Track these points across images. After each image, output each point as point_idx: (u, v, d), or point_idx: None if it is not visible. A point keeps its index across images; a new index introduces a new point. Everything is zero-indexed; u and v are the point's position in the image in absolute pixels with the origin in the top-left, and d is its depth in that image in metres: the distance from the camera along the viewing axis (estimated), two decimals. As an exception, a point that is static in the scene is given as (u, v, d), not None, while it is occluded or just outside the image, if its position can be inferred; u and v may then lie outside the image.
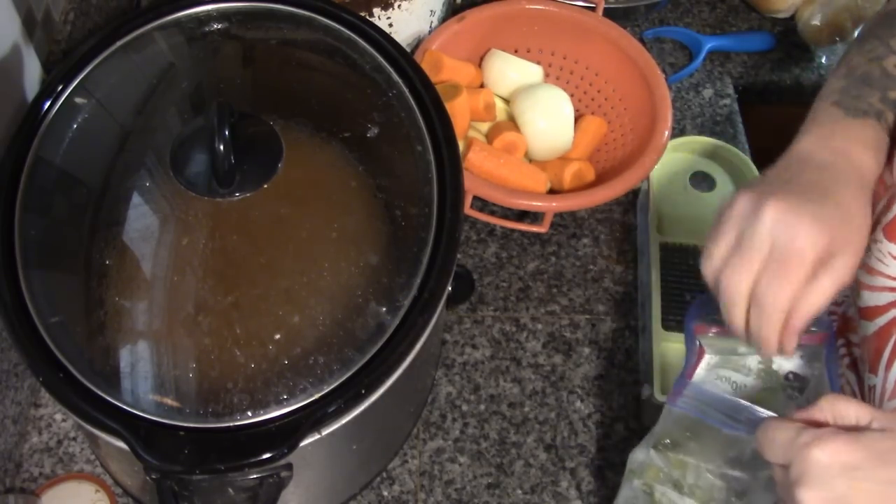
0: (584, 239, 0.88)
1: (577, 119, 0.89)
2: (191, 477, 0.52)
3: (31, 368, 0.54)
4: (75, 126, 0.61)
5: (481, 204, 0.87)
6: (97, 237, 0.57)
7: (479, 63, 0.94)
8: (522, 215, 0.89)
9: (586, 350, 0.81)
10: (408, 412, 0.73)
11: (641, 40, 1.04)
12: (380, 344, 0.55)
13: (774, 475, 0.48)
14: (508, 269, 0.86)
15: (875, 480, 0.44)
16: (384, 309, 0.57)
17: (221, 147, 0.56)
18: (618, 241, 0.89)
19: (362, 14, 0.74)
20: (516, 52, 0.94)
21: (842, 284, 0.53)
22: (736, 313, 0.54)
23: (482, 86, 0.93)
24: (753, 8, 1.08)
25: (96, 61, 0.64)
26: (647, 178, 0.86)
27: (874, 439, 0.45)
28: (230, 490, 0.54)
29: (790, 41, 1.06)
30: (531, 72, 0.91)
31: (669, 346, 0.76)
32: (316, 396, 0.54)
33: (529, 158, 0.90)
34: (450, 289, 0.60)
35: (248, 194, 0.58)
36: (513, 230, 0.88)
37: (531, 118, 0.87)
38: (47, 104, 0.61)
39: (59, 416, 0.75)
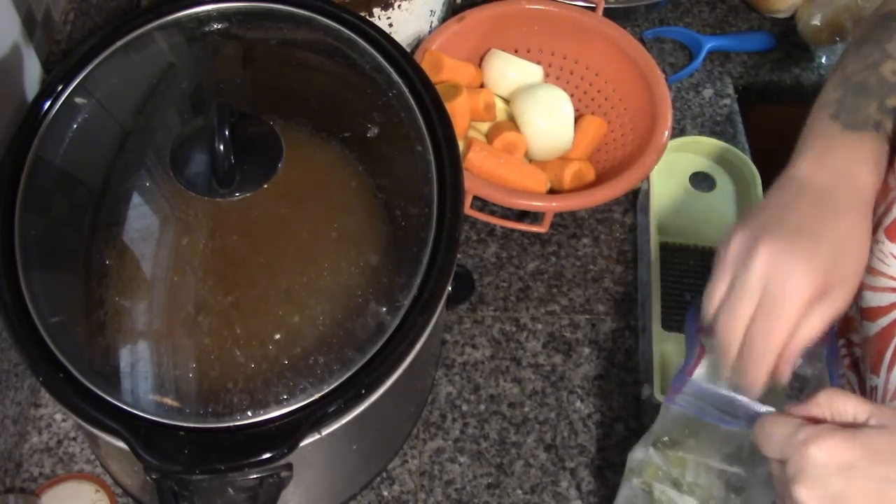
0: (584, 239, 0.88)
1: (577, 119, 0.89)
2: (191, 477, 0.52)
3: (31, 368, 0.54)
4: (75, 126, 0.61)
5: (481, 204, 0.87)
6: (97, 237, 0.57)
7: (479, 63, 0.94)
8: (522, 215, 0.89)
9: (586, 350, 0.81)
10: (408, 412, 0.73)
11: (641, 40, 1.04)
12: (380, 344, 0.55)
13: (772, 470, 0.48)
14: (508, 269, 0.86)
15: (872, 478, 0.44)
16: (384, 309, 0.57)
17: (221, 147, 0.56)
18: (618, 241, 0.89)
19: (362, 14, 0.74)
20: (516, 52, 0.94)
21: (837, 316, 0.53)
22: (728, 357, 0.55)
23: (482, 86, 0.93)
24: (753, 8, 1.08)
25: (96, 61, 0.64)
26: (647, 178, 0.86)
27: (871, 436, 0.45)
28: (230, 490, 0.54)
29: (790, 41, 1.06)
30: (531, 72, 0.91)
31: (669, 346, 0.76)
32: (316, 396, 0.54)
33: (529, 158, 0.90)
34: (450, 289, 0.60)
35: (248, 194, 0.58)
36: (513, 230, 0.88)
37: (531, 118, 0.87)
38: (47, 104, 0.61)
39: (59, 416, 0.75)
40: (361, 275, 0.58)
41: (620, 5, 1.00)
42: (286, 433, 0.52)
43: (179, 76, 0.66)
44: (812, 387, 0.62)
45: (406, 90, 0.64)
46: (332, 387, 0.54)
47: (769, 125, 0.96)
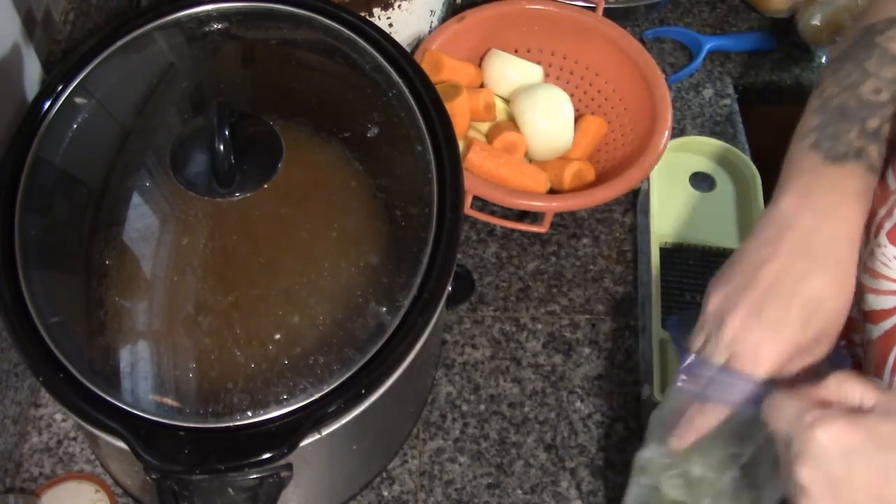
0: (584, 239, 0.88)
1: (577, 119, 0.89)
2: (191, 477, 0.52)
3: (31, 368, 0.54)
4: (75, 126, 0.61)
5: (481, 204, 0.87)
6: (97, 237, 0.57)
7: (479, 63, 0.94)
8: (522, 215, 0.89)
9: (586, 350, 0.81)
10: (408, 412, 0.73)
11: (641, 40, 1.04)
12: (380, 344, 0.55)
13: (777, 448, 0.49)
14: (508, 269, 0.86)
15: (874, 464, 0.45)
16: (384, 309, 0.57)
17: (221, 147, 0.56)
18: (618, 241, 0.89)
19: (362, 14, 0.74)
20: (516, 52, 0.94)
21: (818, 363, 0.54)
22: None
23: (482, 86, 0.93)
24: (753, 8, 1.08)
25: (96, 61, 0.64)
26: (647, 178, 0.86)
27: (877, 423, 0.46)
28: (230, 490, 0.54)
29: (790, 41, 1.06)
30: (531, 72, 0.91)
31: (669, 346, 0.76)
32: (316, 396, 0.54)
33: (529, 158, 0.90)
34: (450, 289, 0.60)
35: (248, 194, 0.58)
36: (513, 230, 0.88)
37: (531, 118, 0.87)
38: (47, 104, 0.61)
39: (59, 416, 0.75)
40: (361, 275, 0.58)
41: (620, 5, 1.00)
42: (286, 433, 0.52)
43: (179, 76, 0.66)
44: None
45: (406, 90, 0.64)
46: (332, 387, 0.54)
47: (769, 125, 0.95)
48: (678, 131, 0.97)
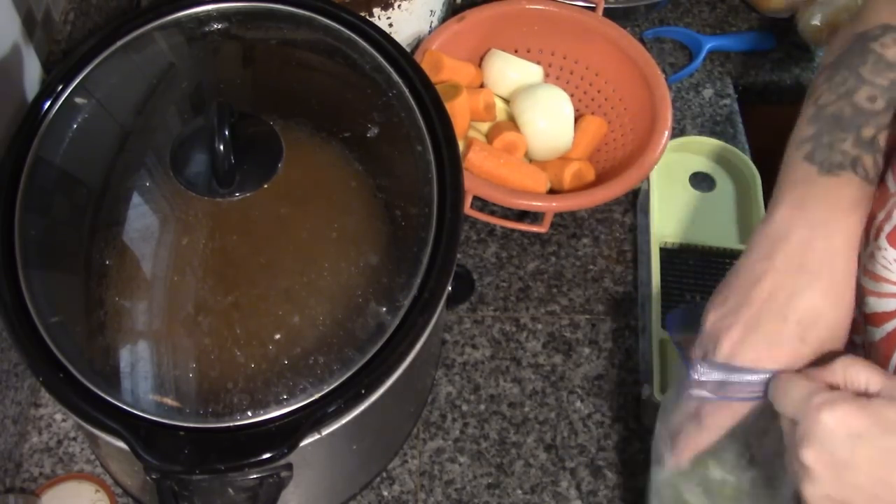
0: (584, 239, 0.88)
1: (577, 119, 0.89)
2: (191, 477, 0.52)
3: (31, 368, 0.54)
4: (75, 126, 0.61)
5: (481, 204, 0.87)
6: (97, 237, 0.57)
7: (479, 63, 0.94)
8: (522, 215, 0.89)
9: (586, 350, 0.81)
10: (408, 412, 0.73)
11: (641, 40, 1.04)
12: (380, 344, 0.55)
13: (783, 427, 0.50)
14: (508, 269, 0.86)
15: (878, 448, 0.45)
16: (384, 309, 0.57)
17: (221, 147, 0.56)
18: (618, 241, 0.89)
19: (362, 14, 0.74)
20: (516, 52, 0.94)
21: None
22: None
23: (482, 86, 0.93)
24: (753, 8, 1.08)
25: (96, 61, 0.64)
26: (647, 178, 0.86)
27: (882, 407, 0.46)
28: (230, 490, 0.54)
29: (790, 41, 1.06)
30: (531, 72, 0.91)
31: (669, 346, 0.76)
32: (316, 396, 0.54)
33: (529, 158, 0.90)
34: (450, 289, 0.60)
35: (248, 194, 0.58)
36: (513, 230, 0.88)
37: (531, 118, 0.87)
38: (47, 104, 0.61)
39: (59, 416, 0.75)
40: (361, 275, 0.58)
41: (620, 5, 1.00)
42: (286, 433, 0.52)
43: (179, 76, 0.66)
44: None
45: (406, 90, 0.64)
46: (332, 387, 0.54)
47: (769, 125, 0.95)
48: (678, 131, 0.97)
